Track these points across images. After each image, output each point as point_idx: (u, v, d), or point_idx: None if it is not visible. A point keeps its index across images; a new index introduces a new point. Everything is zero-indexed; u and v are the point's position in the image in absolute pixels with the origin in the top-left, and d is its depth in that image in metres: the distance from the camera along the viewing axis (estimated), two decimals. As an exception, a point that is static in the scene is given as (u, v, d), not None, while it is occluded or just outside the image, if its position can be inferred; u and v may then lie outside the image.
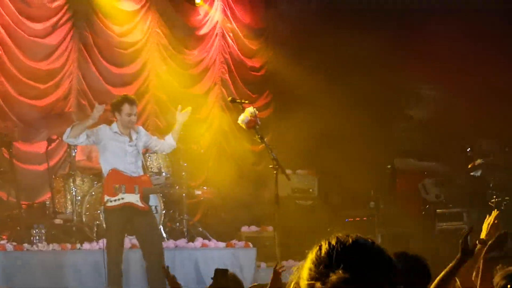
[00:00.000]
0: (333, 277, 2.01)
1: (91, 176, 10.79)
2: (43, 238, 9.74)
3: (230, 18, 13.57)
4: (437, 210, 10.45)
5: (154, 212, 9.70)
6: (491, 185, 9.99)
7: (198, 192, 11.17)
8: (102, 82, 12.24)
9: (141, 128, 9.42)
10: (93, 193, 10.52)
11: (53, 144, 10.99)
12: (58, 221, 10.41)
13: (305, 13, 14.34)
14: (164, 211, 10.73)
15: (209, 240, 11.18)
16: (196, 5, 13.04)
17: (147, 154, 10.60)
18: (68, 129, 8.88)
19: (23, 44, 11.46)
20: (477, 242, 4.18)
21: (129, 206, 8.88)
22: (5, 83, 11.22)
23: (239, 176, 13.25)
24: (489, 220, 4.23)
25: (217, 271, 5.81)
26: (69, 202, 10.50)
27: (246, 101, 10.17)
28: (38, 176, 11.27)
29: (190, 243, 10.78)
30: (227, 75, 13.46)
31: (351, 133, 11.33)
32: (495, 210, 4.31)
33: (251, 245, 11.28)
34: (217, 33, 13.43)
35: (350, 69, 11.99)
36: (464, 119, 10.63)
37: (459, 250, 4.10)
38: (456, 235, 8.70)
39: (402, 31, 11.62)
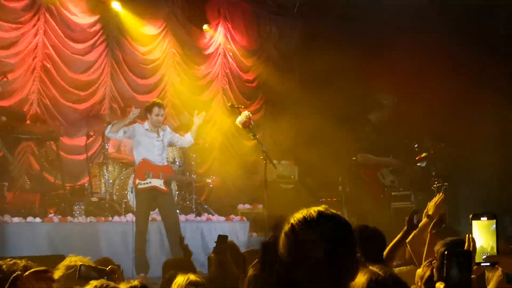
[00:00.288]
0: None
1: (120, 164, 10.84)
2: (82, 212, 9.77)
3: (230, 41, 13.57)
4: (392, 193, 10.47)
5: (170, 193, 9.75)
6: (433, 173, 10.03)
7: (209, 180, 11.18)
8: (129, 90, 12.26)
9: (167, 127, 9.54)
10: (121, 177, 10.56)
11: (91, 139, 11.03)
12: (94, 199, 10.42)
13: (289, 37, 14.36)
14: (177, 192, 10.82)
15: (212, 215, 11.22)
16: (204, 30, 13.07)
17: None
18: (109, 126, 9.12)
19: (67, 60, 11.46)
20: (426, 217, 4.21)
21: (154, 189, 9.08)
22: (53, 91, 11.24)
23: (236, 165, 13.27)
24: (434, 201, 4.25)
25: (219, 237, 5.84)
26: (103, 185, 10.53)
27: (242, 106, 10.16)
28: (79, 164, 11.28)
29: (198, 217, 10.83)
30: (227, 85, 13.47)
31: (324, 132, 11.35)
32: (441, 193, 4.33)
33: (245, 219, 11.34)
34: (219, 53, 13.44)
35: (324, 81, 12.02)
36: (413, 121, 10.66)
37: (405, 225, 4.14)
38: (405, 212, 8.74)
39: (365, 51, 11.62)
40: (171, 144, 9.71)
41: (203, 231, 10.21)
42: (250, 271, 4.13)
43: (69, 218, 9.57)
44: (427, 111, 10.54)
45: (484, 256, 2.31)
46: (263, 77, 14.00)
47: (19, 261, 3.56)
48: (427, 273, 3.71)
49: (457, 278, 1.84)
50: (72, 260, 3.76)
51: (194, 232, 10.23)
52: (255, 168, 12.98)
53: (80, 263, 3.62)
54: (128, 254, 9.15)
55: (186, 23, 12.94)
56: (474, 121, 11.07)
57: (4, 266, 3.51)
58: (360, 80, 11.50)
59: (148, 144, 9.16)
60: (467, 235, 2.30)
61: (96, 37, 11.86)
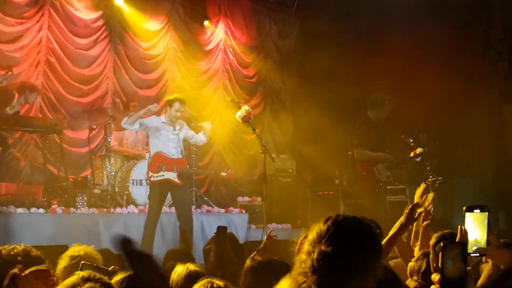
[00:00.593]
0: (318, 249, 2.03)
1: (122, 157, 10.87)
2: (85, 204, 9.77)
3: (231, 37, 13.56)
4: (387, 187, 10.48)
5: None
6: (428, 168, 10.03)
7: (224, 174, 11.18)
8: (131, 85, 12.25)
9: (184, 123, 9.51)
10: (123, 170, 10.58)
11: (93, 132, 11.05)
12: (96, 191, 10.42)
13: (288, 34, 14.36)
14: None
15: (212, 207, 11.23)
16: (205, 26, 13.05)
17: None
18: (125, 118, 9.11)
19: (71, 54, 11.46)
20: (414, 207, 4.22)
21: (167, 182, 9.05)
22: (57, 85, 11.24)
23: (236, 158, 13.29)
24: (418, 191, 4.26)
25: (219, 228, 5.87)
26: (105, 177, 10.53)
27: (242, 101, 10.17)
28: (82, 156, 11.29)
29: (198, 209, 10.84)
30: (227, 81, 13.46)
31: (322, 128, 11.36)
32: (423, 183, 4.34)
33: (244, 211, 11.34)
34: (220, 49, 13.42)
35: (323, 78, 12.01)
36: (408, 119, 10.66)
37: (404, 217, 4.14)
38: (400, 205, 8.77)
39: (363, 49, 11.63)
40: (185, 140, 9.70)
41: (202, 223, 10.22)
42: (248, 262, 4.14)
43: (72, 209, 9.56)
44: (423, 109, 10.55)
45: (475, 248, 2.33)
46: (263, 73, 14.00)
47: (18, 246, 3.56)
48: (423, 266, 3.73)
49: (453, 270, 1.85)
50: (76, 250, 3.77)
51: (194, 223, 10.22)
52: (254, 161, 13.02)
53: (82, 262, 3.61)
54: (129, 244, 9.14)
55: (187, 19, 12.93)
56: (468, 118, 11.10)
57: (3, 252, 3.51)
58: (359, 78, 11.51)
59: (163, 137, 9.15)
60: (459, 227, 2.31)
61: (99, 32, 11.86)
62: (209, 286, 3.14)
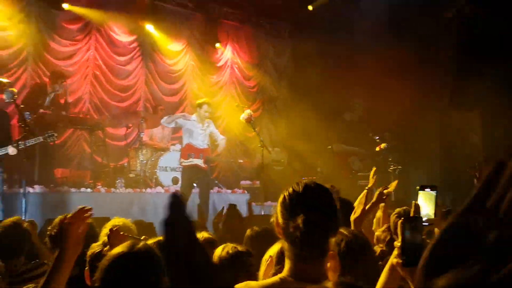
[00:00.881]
0: (299, 221, 1.97)
1: (151, 149, 10.85)
2: (123, 185, 9.77)
3: (236, 56, 13.56)
4: (358, 174, 10.46)
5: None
6: (390, 159, 10.02)
7: (241, 161, 11.27)
8: (159, 93, 12.26)
9: (211, 122, 9.56)
10: (153, 159, 10.57)
11: (129, 130, 11.02)
12: (131, 175, 10.42)
13: (282, 54, 14.34)
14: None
15: (221, 188, 11.22)
16: (216, 48, 13.05)
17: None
18: (165, 117, 9.52)
19: (112, 69, 11.49)
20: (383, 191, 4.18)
21: (195, 166, 9.11)
22: (101, 93, 11.27)
23: (240, 150, 13.28)
24: (371, 173, 4.21)
25: (230, 205, 5.95)
26: (138, 164, 10.53)
27: (245, 106, 10.18)
28: (120, 148, 11.29)
29: (210, 190, 10.81)
30: (234, 90, 13.46)
31: (308, 127, 11.33)
32: (374, 168, 4.27)
33: (246, 192, 11.33)
34: (228, 65, 13.42)
35: (309, 89, 11.99)
36: (376, 120, 10.65)
37: (375, 198, 4.10)
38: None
39: (341, 65, 11.60)
40: (210, 135, 9.69)
41: (214, 201, 10.22)
42: (248, 232, 4.14)
43: (112, 189, 9.58)
44: (387, 113, 10.53)
45: (425, 219, 2.32)
46: (261, 85, 13.98)
47: (69, 215, 3.56)
48: (388, 237, 3.70)
49: (411, 238, 1.84)
50: (116, 221, 3.75)
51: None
52: (254, 153, 12.96)
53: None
54: (157, 217, 9.13)
55: (203, 42, 12.92)
56: (423, 121, 11.08)
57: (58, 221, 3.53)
58: (338, 89, 11.47)
59: (193, 132, 9.20)
60: (413, 202, 2.30)
61: (134, 52, 11.88)
62: (234, 249, 3.11)
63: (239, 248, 3.13)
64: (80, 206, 2.61)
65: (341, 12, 12.01)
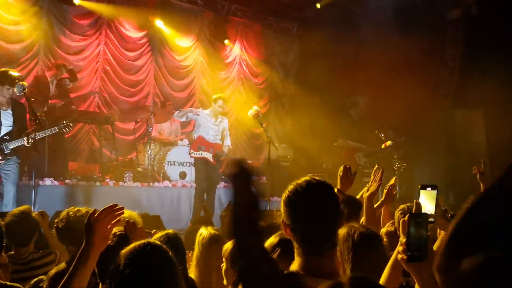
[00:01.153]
0: (304, 217, 2.01)
1: (160, 143, 10.83)
2: (131, 179, 9.79)
3: (245, 53, 13.54)
4: (364, 171, 10.44)
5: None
6: (395, 156, 9.98)
7: (249, 162, 11.23)
8: (168, 88, 12.26)
9: (225, 118, 9.58)
10: (160, 153, 10.56)
11: (138, 124, 11.05)
12: (140, 169, 10.43)
13: (289, 51, 14.31)
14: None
15: (228, 183, 11.19)
16: (225, 44, 13.02)
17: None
18: (177, 112, 9.47)
19: (122, 64, 11.50)
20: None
21: (204, 159, 9.08)
22: (111, 87, 11.28)
23: (247, 146, 13.28)
24: (373, 172, 4.22)
25: None
26: (146, 159, 10.53)
27: (253, 102, 10.17)
28: (129, 142, 11.31)
29: (217, 185, 10.81)
30: (241, 87, 13.44)
31: (314, 124, 11.32)
32: (376, 165, 4.29)
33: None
34: (236, 62, 13.40)
35: (316, 86, 11.94)
36: (381, 117, 10.61)
37: (384, 195, 4.10)
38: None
39: (347, 66, 11.56)
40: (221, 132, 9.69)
41: (220, 195, 10.22)
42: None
43: (120, 183, 9.60)
44: (392, 111, 10.48)
45: None
46: (269, 81, 13.98)
47: (81, 209, 3.58)
48: (391, 229, 3.71)
49: (415, 234, 1.83)
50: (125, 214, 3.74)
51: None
52: (261, 149, 13.02)
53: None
54: (164, 211, 9.18)
55: (212, 38, 12.90)
56: (427, 119, 11.05)
57: (70, 212, 3.53)
58: (343, 86, 11.43)
59: (206, 126, 9.18)
60: (415, 200, 2.30)
61: (144, 47, 11.88)
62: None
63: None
64: (111, 204, 2.61)
65: (348, 10, 11.98)
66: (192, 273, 3.53)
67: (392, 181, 4.35)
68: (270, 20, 13.78)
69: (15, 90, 6.87)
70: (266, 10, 13.47)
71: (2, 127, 6.96)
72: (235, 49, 13.37)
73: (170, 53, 12.29)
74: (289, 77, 14.17)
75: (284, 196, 2.11)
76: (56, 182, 8.74)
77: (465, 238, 1.04)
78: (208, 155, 9.09)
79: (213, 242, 3.57)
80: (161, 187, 9.93)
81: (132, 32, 11.64)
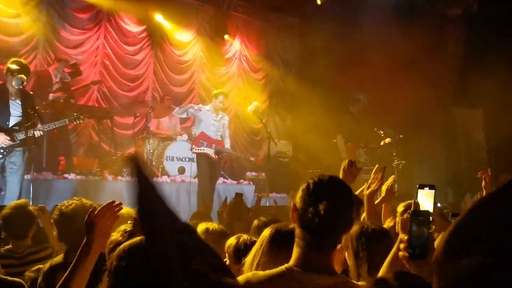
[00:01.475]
0: (320, 207, 1.98)
1: (158, 138, 10.81)
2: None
3: (245, 49, 13.51)
4: (364, 168, 10.42)
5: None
6: (394, 154, 9.99)
7: (252, 159, 11.24)
8: (167, 83, 12.23)
9: (225, 115, 9.53)
10: (159, 148, 10.54)
11: (137, 119, 11.04)
12: (138, 164, 10.38)
13: (290, 48, 14.29)
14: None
15: (227, 179, 11.21)
16: (225, 39, 13.01)
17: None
18: (177, 108, 9.35)
19: (121, 58, 11.47)
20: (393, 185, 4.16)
21: (206, 155, 9.01)
22: (110, 82, 11.25)
23: (246, 142, 13.27)
24: (373, 171, 4.19)
25: (237, 193, 5.93)
26: (145, 153, 10.50)
27: (253, 98, 10.15)
28: (127, 137, 11.29)
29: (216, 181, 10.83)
30: (241, 82, 13.42)
31: (314, 121, 11.30)
32: (377, 165, 4.24)
33: (251, 183, 11.32)
34: (236, 57, 13.38)
35: (316, 83, 11.93)
36: (380, 114, 10.62)
37: (384, 192, 4.09)
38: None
39: (349, 63, 11.53)
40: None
41: (219, 191, 10.21)
42: (255, 222, 4.12)
43: (119, 177, 9.57)
44: (392, 109, 10.48)
45: None
46: (269, 77, 13.97)
47: (75, 200, 3.57)
48: (391, 224, 3.70)
49: (417, 232, 1.82)
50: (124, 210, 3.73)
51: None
52: (260, 145, 13.00)
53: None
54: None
55: (212, 33, 12.88)
56: (426, 117, 11.05)
57: (63, 208, 3.52)
58: (344, 83, 11.42)
59: (206, 122, 9.13)
60: (413, 200, 2.30)
61: (143, 42, 11.85)
62: (249, 240, 3.09)
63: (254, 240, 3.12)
64: (110, 201, 2.63)
65: (349, 7, 11.95)
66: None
67: (391, 179, 4.34)
68: (271, 16, 13.76)
69: (13, 83, 6.83)
70: (267, 6, 13.45)
71: (11, 117, 6.94)
72: (235, 44, 13.34)
73: (170, 47, 12.26)
74: (289, 73, 14.16)
75: (304, 184, 2.11)
76: (54, 176, 8.72)
77: (463, 239, 1.04)
78: (210, 151, 9.08)
79: (220, 238, 3.59)
80: (159, 182, 9.91)
81: (132, 26, 11.62)
